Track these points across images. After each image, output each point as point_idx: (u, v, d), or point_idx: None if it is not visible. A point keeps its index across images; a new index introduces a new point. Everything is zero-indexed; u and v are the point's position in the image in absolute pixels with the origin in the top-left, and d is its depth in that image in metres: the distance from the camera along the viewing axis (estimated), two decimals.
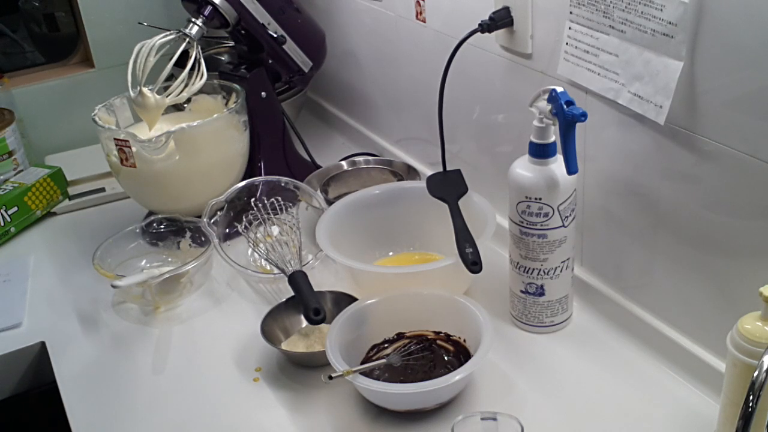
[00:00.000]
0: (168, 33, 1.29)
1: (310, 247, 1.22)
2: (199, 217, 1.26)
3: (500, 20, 1.10)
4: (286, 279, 1.10)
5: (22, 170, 1.56)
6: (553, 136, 0.99)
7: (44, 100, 1.75)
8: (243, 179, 1.34)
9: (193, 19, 1.32)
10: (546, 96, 0.97)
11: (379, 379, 0.99)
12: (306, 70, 1.49)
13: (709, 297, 0.93)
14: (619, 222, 1.04)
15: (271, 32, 1.40)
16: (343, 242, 1.17)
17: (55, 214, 1.52)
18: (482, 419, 0.86)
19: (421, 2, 1.31)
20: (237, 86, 1.40)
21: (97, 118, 1.31)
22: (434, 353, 1.05)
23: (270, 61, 1.44)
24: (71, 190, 1.54)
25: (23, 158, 1.59)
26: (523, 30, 1.09)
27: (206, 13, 1.32)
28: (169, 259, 1.31)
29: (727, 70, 0.81)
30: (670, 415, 0.94)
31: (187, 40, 1.30)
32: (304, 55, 1.47)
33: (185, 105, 1.40)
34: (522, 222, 1.02)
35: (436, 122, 1.19)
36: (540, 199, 1.00)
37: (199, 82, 1.29)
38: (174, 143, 1.26)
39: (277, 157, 1.49)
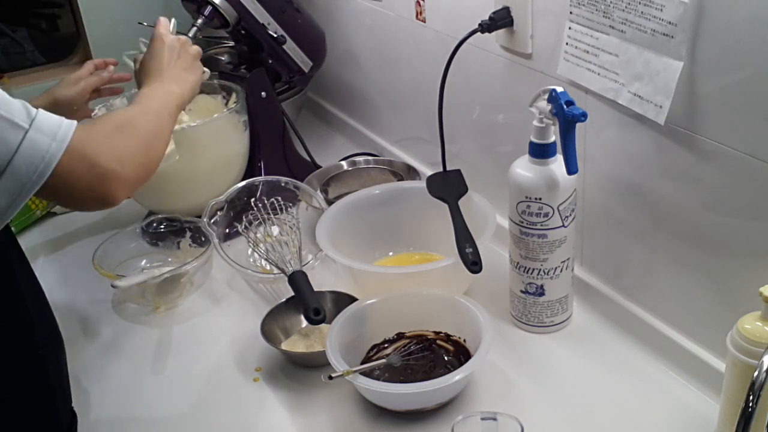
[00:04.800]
0: None
1: (310, 247, 1.22)
2: (199, 217, 1.26)
3: (500, 20, 1.10)
4: (286, 279, 1.10)
5: None
6: (553, 136, 0.99)
7: None
8: (243, 179, 1.34)
9: (193, 22, 1.32)
10: (546, 96, 0.97)
11: (379, 379, 0.99)
12: (306, 70, 1.49)
13: (709, 297, 0.93)
14: (619, 222, 1.04)
15: (271, 32, 1.40)
16: (343, 242, 1.17)
17: (55, 214, 1.52)
18: (482, 419, 0.86)
19: (421, 2, 1.31)
20: (237, 86, 1.40)
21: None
22: (434, 353, 1.05)
23: (270, 61, 1.44)
24: None
25: None
26: (523, 30, 1.09)
27: (206, 13, 1.32)
28: (169, 259, 1.31)
29: (727, 70, 0.81)
30: (670, 415, 0.94)
31: None
32: (304, 55, 1.47)
33: None
34: (522, 222, 1.02)
35: (436, 122, 1.19)
36: (540, 199, 1.00)
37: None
38: (174, 143, 1.26)
39: (277, 157, 1.48)
